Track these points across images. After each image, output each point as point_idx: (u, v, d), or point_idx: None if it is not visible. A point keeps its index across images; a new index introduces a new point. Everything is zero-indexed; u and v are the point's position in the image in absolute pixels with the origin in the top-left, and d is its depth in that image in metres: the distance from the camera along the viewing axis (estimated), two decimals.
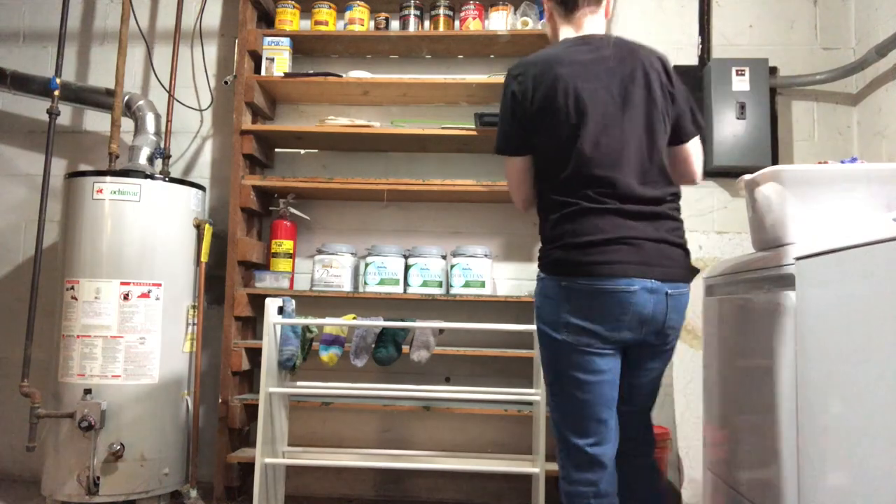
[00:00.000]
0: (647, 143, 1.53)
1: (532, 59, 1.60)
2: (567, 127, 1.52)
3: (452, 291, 2.64)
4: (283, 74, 2.78)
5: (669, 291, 1.50)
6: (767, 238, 1.76)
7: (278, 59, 2.80)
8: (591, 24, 1.65)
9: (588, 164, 1.50)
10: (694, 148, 1.69)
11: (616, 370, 1.54)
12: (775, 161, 2.76)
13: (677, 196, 1.60)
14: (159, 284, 2.46)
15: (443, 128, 2.69)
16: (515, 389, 2.37)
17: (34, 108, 3.04)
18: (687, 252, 1.58)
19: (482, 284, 2.63)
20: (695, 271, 1.60)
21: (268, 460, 2.19)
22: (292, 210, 2.83)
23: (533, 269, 2.84)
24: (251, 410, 2.61)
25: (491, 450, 2.75)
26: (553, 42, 1.70)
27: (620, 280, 1.46)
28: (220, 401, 2.62)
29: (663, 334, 1.54)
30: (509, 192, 1.71)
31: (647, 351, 1.57)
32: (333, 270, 2.67)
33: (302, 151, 3.02)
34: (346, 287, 2.67)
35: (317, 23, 2.87)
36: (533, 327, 2.23)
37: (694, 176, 1.71)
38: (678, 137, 1.63)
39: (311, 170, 2.98)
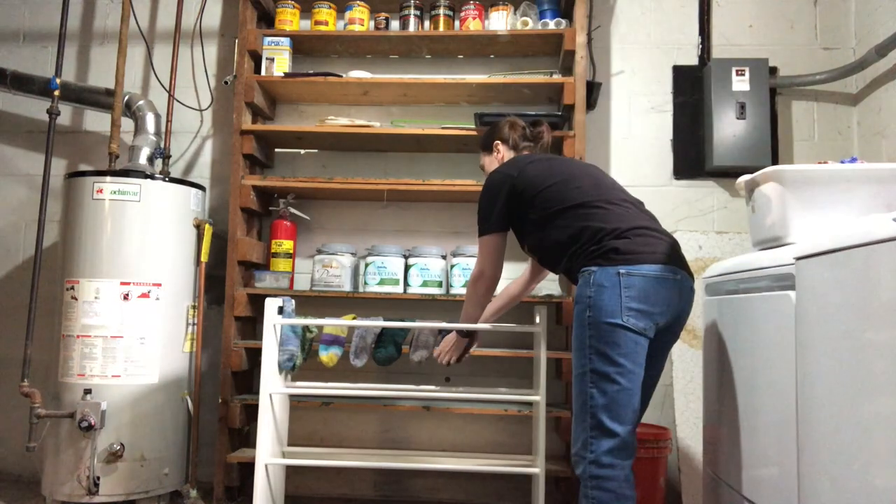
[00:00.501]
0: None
1: (504, 172, 1.96)
2: (558, 188, 1.84)
3: (452, 291, 2.64)
4: (283, 74, 2.78)
5: (691, 286, 1.72)
6: (767, 238, 1.76)
7: (278, 59, 2.80)
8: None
9: (588, 195, 1.81)
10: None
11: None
12: (775, 161, 2.76)
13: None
14: (159, 284, 2.46)
15: (443, 128, 2.69)
16: (515, 389, 2.37)
17: (34, 108, 3.04)
18: None
19: None
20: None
21: (268, 460, 2.19)
22: (292, 210, 2.83)
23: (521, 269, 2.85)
24: (251, 410, 2.61)
25: (491, 450, 2.75)
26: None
27: (668, 268, 1.65)
28: (220, 401, 2.62)
29: (679, 327, 1.73)
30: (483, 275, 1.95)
31: (662, 343, 1.72)
32: (333, 270, 2.67)
33: (302, 151, 3.02)
34: (346, 287, 2.67)
35: (317, 23, 2.87)
36: (533, 327, 2.24)
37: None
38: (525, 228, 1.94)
39: (311, 170, 2.98)
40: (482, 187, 1.96)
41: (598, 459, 1.60)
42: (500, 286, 2.84)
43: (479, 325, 2.30)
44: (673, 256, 1.67)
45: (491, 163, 2.16)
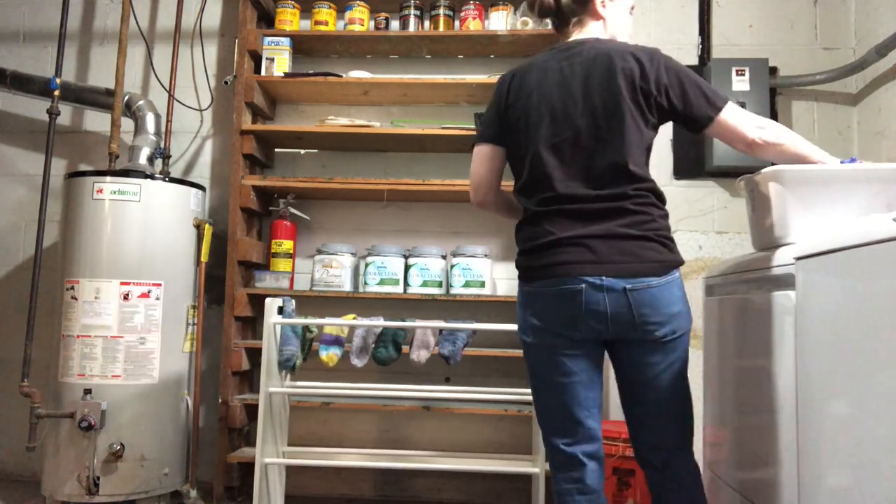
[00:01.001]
0: (606, 145, 1.52)
1: (518, 66, 1.68)
2: (524, 133, 1.59)
3: (452, 291, 2.64)
4: (283, 74, 2.78)
5: (628, 287, 1.47)
6: (767, 238, 1.76)
7: (278, 59, 2.80)
8: (584, 34, 1.65)
9: (538, 168, 1.55)
10: (726, 123, 1.56)
11: (589, 371, 1.54)
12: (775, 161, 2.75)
13: (647, 191, 1.54)
14: (159, 284, 2.46)
15: (443, 128, 2.69)
16: (515, 389, 2.37)
17: (34, 108, 3.04)
18: (663, 244, 1.52)
19: (482, 284, 2.63)
20: (673, 263, 1.52)
21: (268, 460, 2.19)
22: (292, 210, 2.83)
23: None
24: (251, 410, 2.61)
25: (491, 450, 2.75)
26: None
27: (566, 280, 1.49)
28: (220, 401, 2.62)
29: (642, 329, 1.49)
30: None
31: (636, 347, 1.53)
32: (333, 270, 2.67)
33: (302, 151, 3.02)
34: (346, 287, 2.67)
35: (317, 23, 2.87)
36: None
37: (743, 143, 1.58)
38: (695, 127, 1.59)
39: (311, 170, 2.98)
40: None
41: (554, 474, 1.57)
42: (506, 288, 2.86)
43: (480, 325, 2.31)
44: (582, 265, 1.48)
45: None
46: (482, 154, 1.70)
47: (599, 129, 1.53)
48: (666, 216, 1.57)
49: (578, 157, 1.53)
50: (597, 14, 1.65)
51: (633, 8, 1.74)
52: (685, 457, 1.59)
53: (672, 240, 1.55)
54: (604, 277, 1.48)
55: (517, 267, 1.61)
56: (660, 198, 1.58)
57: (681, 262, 1.55)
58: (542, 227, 1.55)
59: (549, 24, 2.71)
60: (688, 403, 1.59)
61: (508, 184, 1.66)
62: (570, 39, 1.65)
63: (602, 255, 1.49)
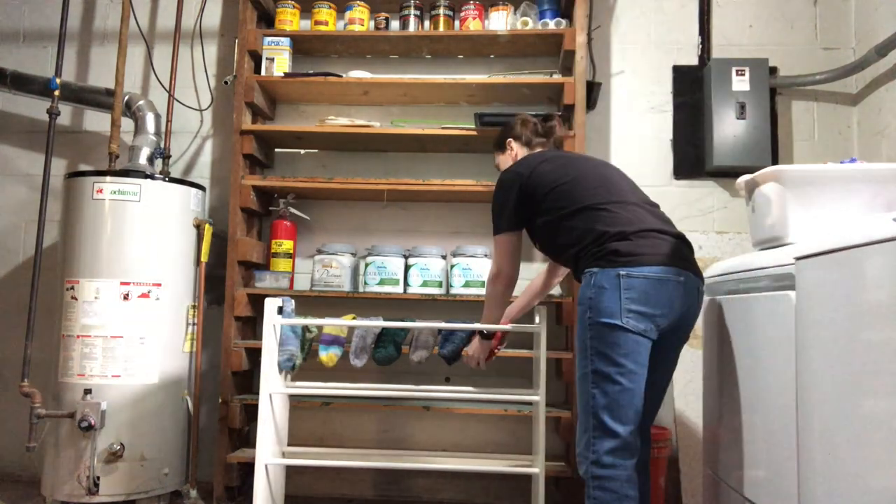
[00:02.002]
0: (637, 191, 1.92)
1: (517, 170, 1.98)
2: (568, 189, 1.85)
3: (452, 291, 2.64)
4: (283, 74, 2.78)
5: (699, 287, 1.71)
6: (767, 238, 1.76)
7: (278, 59, 2.80)
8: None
9: (595, 195, 1.81)
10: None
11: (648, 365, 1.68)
12: (775, 161, 2.76)
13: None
14: (159, 284, 2.46)
15: (443, 128, 2.69)
16: (515, 389, 2.37)
17: (34, 108, 3.04)
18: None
19: (482, 284, 2.63)
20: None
21: (268, 460, 2.19)
22: (292, 210, 2.83)
23: (533, 268, 2.86)
24: (251, 410, 2.60)
25: (491, 450, 2.75)
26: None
27: (670, 269, 1.63)
28: (220, 401, 2.62)
29: (684, 330, 1.72)
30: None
31: (669, 344, 1.72)
32: (333, 270, 2.67)
33: (302, 151, 3.02)
34: (346, 287, 2.67)
35: (317, 23, 2.86)
36: (533, 327, 2.24)
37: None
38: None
39: (311, 170, 2.98)
40: (495, 186, 1.98)
41: (600, 460, 1.60)
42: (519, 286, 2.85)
43: (480, 325, 2.30)
44: (677, 257, 1.66)
45: (505, 161, 2.17)
46: (511, 241, 2.02)
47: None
48: None
49: (627, 191, 1.86)
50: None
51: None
52: (648, 446, 1.85)
53: None
54: (692, 274, 1.69)
55: (605, 254, 1.67)
56: None
57: None
58: (631, 216, 1.71)
59: (549, 25, 2.73)
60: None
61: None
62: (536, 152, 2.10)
63: (686, 253, 1.72)
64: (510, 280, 1.97)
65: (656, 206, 1.83)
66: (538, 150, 2.11)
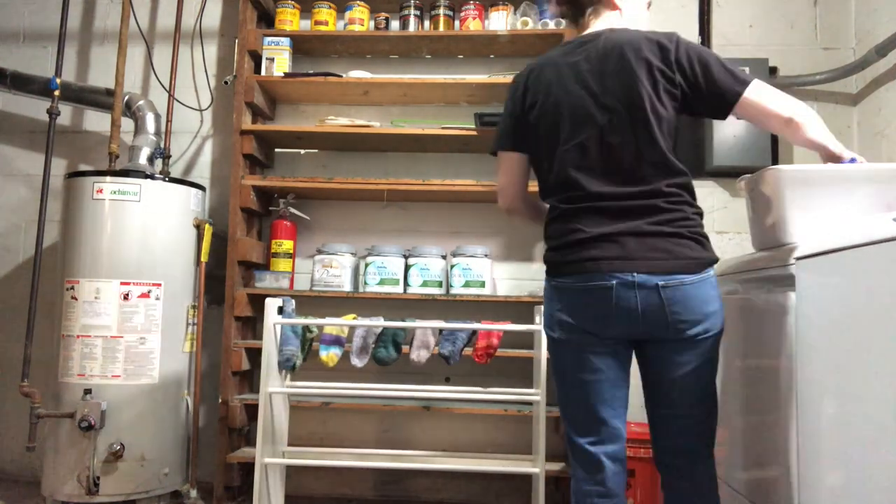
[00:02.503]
0: (633, 137, 1.49)
1: (532, 63, 1.65)
2: (545, 138, 1.57)
3: (452, 291, 2.64)
4: (283, 74, 2.78)
5: (661, 283, 1.44)
6: (767, 238, 1.76)
7: (278, 59, 2.80)
8: (599, 25, 1.62)
9: (564, 170, 1.53)
10: (757, 101, 1.51)
11: (616, 369, 1.51)
12: (775, 161, 2.76)
13: (682, 186, 1.51)
14: (159, 284, 2.46)
15: (443, 128, 2.69)
16: (515, 389, 2.37)
17: (34, 108, 3.04)
18: (697, 241, 1.48)
19: (482, 284, 2.63)
20: (708, 261, 1.49)
21: (268, 460, 2.19)
22: (292, 210, 2.83)
23: (533, 268, 2.86)
24: (251, 410, 2.60)
25: (491, 450, 2.75)
26: None
27: (595, 276, 1.46)
28: (220, 401, 2.62)
29: (674, 327, 1.46)
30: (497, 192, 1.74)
31: (668, 345, 1.49)
32: (333, 270, 2.67)
33: (302, 151, 3.02)
34: (346, 287, 2.67)
35: (317, 23, 2.86)
36: (533, 327, 2.24)
37: (778, 121, 1.53)
38: (721, 107, 1.53)
39: (311, 170, 2.98)
40: None
41: (575, 473, 1.55)
42: (506, 288, 2.86)
43: (480, 325, 2.31)
44: (616, 259, 1.46)
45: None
46: (504, 162, 1.69)
47: (623, 123, 1.49)
48: (700, 214, 1.53)
49: (605, 155, 1.51)
50: (612, 4, 1.62)
51: (650, 4, 1.73)
52: (707, 463, 1.55)
53: (706, 237, 1.51)
54: (635, 274, 1.44)
55: (545, 262, 1.58)
56: (693, 195, 1.54)
57: (716, 260, 1.51)
58: (571, 224, 1.52)
59: (549, 25, 2.72)
60: (714, 406, 1.54)
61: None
62: (585, 32, 1.62)
63: (633, 252, 1.46)
64: (505, 198, 1.73)
65: (644, 174, 1.49)
66: (586, 27, 1.65)
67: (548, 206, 1.61)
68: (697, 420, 1.53)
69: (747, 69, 2.70)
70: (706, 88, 1.50)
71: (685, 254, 1.47)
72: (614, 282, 1.45)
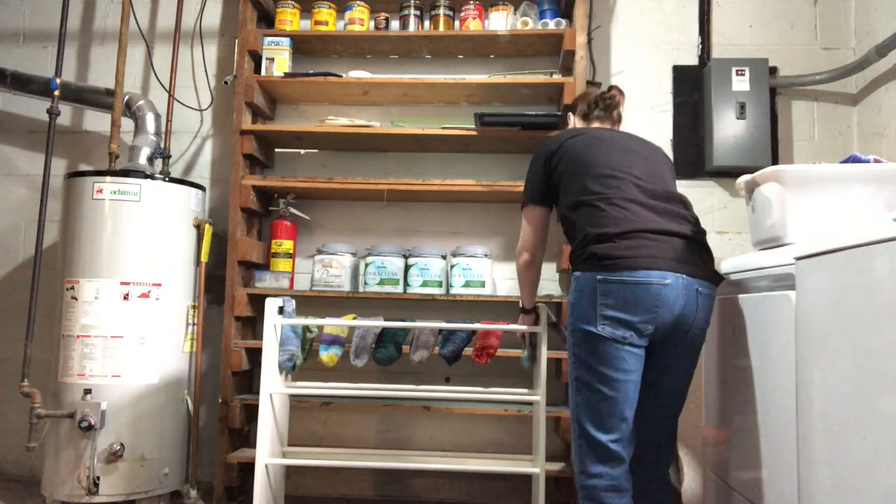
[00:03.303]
0: (663, 180, 1.80)
1: (550, 143, 1.88)
2: (585, 167, 1.77)
3: (452, 291, 2.64)
4: (283, 74, 2.78)
5: (700, 289, 1.58)
6: (767, 238, 1.76)
7: (278, 59, 2.80)
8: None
9: (609, 185, 1.71)
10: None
11: (640, 371, 1.59)
12: (775, 161, 2.76)
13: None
14: (159, 284, 2.46)
15: (443, 128, 2.69)
16: (515, 389, 2.37)
17: (34, 108, 3.04)
18: (713, 258, 1.69)
19: (482, 284, 2.63)
20: (720, 278, 1.69)
21: (268, 460, 2.19)
22: (292, 210, 2.83)
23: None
24: (251, 410, 2.60)
25: (491, 450, 2.75)
26: None
27: (651, 273, 1.54)
28: (220, 401, 2.62)
29: (691, 334, 1.61)
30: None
31: (675, 348, 1.62)
32: (333, 270, 2.67)
33: (302, 151, 3.02)
34: (346, 287, 2.67)
35: (317, 23, 2.86)
36: (533, 327, 2.24)
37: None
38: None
39: (311, 170, 2.98)
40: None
41: (586, 469, 1.58)
42: (506, 288, 2.86)
43: (480, 325, 2.30)
44: (667, 259, 1.55)
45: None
46: (539, 215, 1.91)
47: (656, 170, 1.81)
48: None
49: (646, 181, 1.71)
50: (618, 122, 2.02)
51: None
52: (671, 452, 1.75)
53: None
54: (685, 276, 1.56)
55: (586, 257, 1.61)
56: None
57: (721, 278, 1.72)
58: (621, 214, 1.59)
59: (549, 25, 2.72)
60: (682, 406, 1.73)
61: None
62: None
63: (683, 254, 1.58)
64: (531, 255, 1.88)
65: (677, 199, 1.71)
66: (596, 124, 1.96)
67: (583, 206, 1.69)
68: (675, 418, 1.73)
69: (747, 69, 2.71)
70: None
71: (712, 266, 1.67)
72: (669, 280, 1.54)
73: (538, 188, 1.83)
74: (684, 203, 1.72)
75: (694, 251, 1.62)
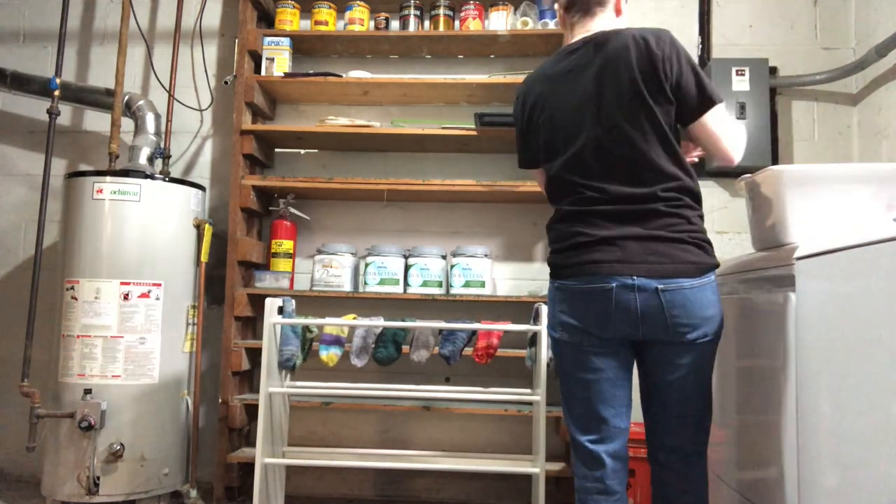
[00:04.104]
0: (626, 142, 1.50)
1: (527, 78, 1.73)
2: (545, 150, 1.63)
3: (452, 291, 2.64)
4: (283, 74, 2.78)
5: (660, 287, 1.46)
6: (767, 238, 1.76)
7: (278, 59, 2.80)
8: (597, 26, 1.62)
9: (565, 179, 1.57)
10: (711, 124, 1.56)
11: (616, 369, 1.54)
12: (775, 161, 2.76)
13: (679, 189, 1.54)
14: (159, 284, 2.46)
15: (443, 128, 2.69)
16: (515, 389, 2.37)
17: (34, 108, 3.04)
18: (698, 246, 1.51)
19: (482, 284, 2.63)
20: (708, 266, 1.51)
21: (268, 460, 2.19)
22: (292, 210, 2.83)
23: (533, 268, 2.86)
24: (251, 410, 2.60)
25: (491, 450, 2.75)
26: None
27: (596, 278, 1.49)
28: (220, 401, 2.62)
29: (673, 330, 1.48)
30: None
31: (667, 348, 1.52)
32: (333, 270, 2.67)
33: (302, 151, 3.02)
34: (346, 287, 2.67)
35: (317, 23, 2.86)
36: (533, 327, 2.24)
37: (723, 155, 1.62)
38: (684, 118, 1.57)
39: (311, 170, 2.98)
40: None
41: (577, 471, 1.59)
42: (506, 288, 2.86)
43: (480, 325, 2.31)
44: (617, 262, 1.48)
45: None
46: (537, 175, 1.78)
47: (617, 128, 1.51)
48: (701, 217, 1.57)
49: (602, 161, 1.52)
50: (617, 9, 1.65)
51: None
52: (700, 461, 1.59)
53: (709, 242, 1.54)
54: (635, 277, 1.47)
55: (549, 264, 1.62)
56: (695, 198, 1.58)
57: (716, 265, 1.54)
58: (573, 227, 1.55)
59: (549, 25, 2.71)
60: (709, 408, 1.58)
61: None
62: (577, 38, 1.62)
63: (634, 255, 1.48)
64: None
65: (634, 196, 1.51)
66: (576, 31, 1.64)
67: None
68: (691, 420, 1.57)
69: (747, 69, 2.71)
70: (679, 102, 1.53)
71: (685, 258, 1.49)
72: (614, 284, 1.47)
73: (520, 149, 1.75)
74: (651, 171, 1.51)
75: (655, 249, 1.49)
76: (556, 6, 1.72)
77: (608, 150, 1.52)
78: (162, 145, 2.79)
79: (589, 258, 1.51)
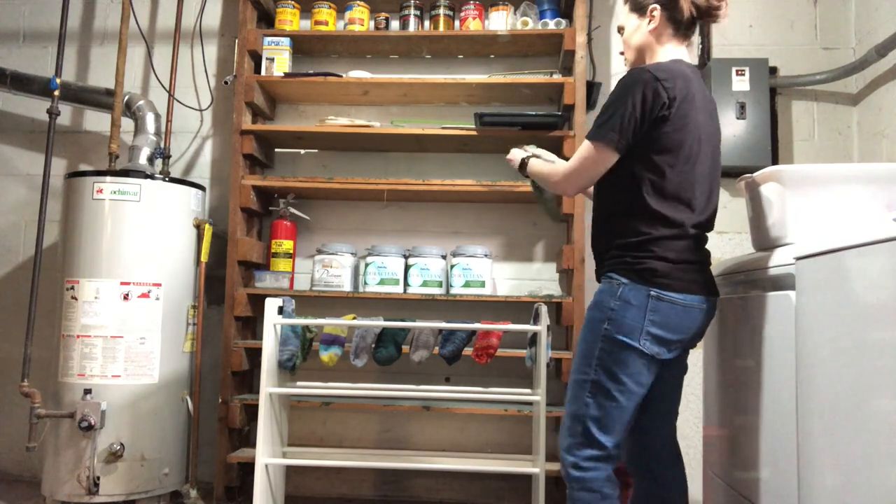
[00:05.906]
0: (715, 183, 1.68)
1: (675, 71, 1.56)
2: (689, 150, 1.57)
3: (452, 291, 2.64)
4: (283, 74, 2.78)
5: (715, 307, 1.67)
6: (767, 238, 1.76)
7: (278, 59, 2.80)
8: (687, 53, 1.71)
9: (693, 189, 1.59)
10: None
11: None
12: (775, 161, 2.76)
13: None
14: (159, 284, 2.46)
15: (443, 128, 2.69)
16: (515, 389, 2.37)
17: (34, 108, 3.04)
18: None
19: (482, 284, 2.63)
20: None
21: (268, 460, 2.19)
22: (292, 210, 2.83)
23: (533, 268, 2.86)
24: (251, 410, 2.60)
25: (491, 450, 2.75)
26: (645, 51, 1.71)
27: (696, 297, 1.58)
28: (220, 401, 2.62)
29: (695, 343, 1.68)
30: (568, 176, 1.63)
31: (678, 361, 1.69)
32: (333, 270, 2.67)
33: (302, 151, 3.02)
34: (346, 287, 2.67)
35: (317, 23, 2.87)
36: (533, 327, 2.24)
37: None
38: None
39: (311, 170, 2.98)
40: (619, 82, 1.57)
41: (580, 464, 1.59)
42: (506, 288, 2.86)
43: (480, 325, 2.30)
44: (707, 285, 1.60)
45: (634, 28, 1.70)
46: (604, 160, 1.57)
47: (716, 165, 1.67)
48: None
49: (710, 191, 1.65)
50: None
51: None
52: (682, 465, 1.75)
53: None
54: (713, 298, 1.64)
55: (644, 270, 1.54)
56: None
57: None
58: (695, 243, 1.61)
59: (549, 25, 2.70)
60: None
61: None
62: (686, 59, 1.67)
63: (712, 279, 1.66)
64: (578, 192, 1.68)
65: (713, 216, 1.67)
66: (681, 45, 1.66)
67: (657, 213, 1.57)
68: (673, 426, 1.75)
69: (747, 69, 2.71)
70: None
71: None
72: (706, 305, 1.61)
73: (622, 124, 1.51)
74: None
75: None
76: (683, 9, 1.62)
77: (713, 183, 1.67)
78: (162, 145, 2.79)
79: (696, 278, 1.60)
